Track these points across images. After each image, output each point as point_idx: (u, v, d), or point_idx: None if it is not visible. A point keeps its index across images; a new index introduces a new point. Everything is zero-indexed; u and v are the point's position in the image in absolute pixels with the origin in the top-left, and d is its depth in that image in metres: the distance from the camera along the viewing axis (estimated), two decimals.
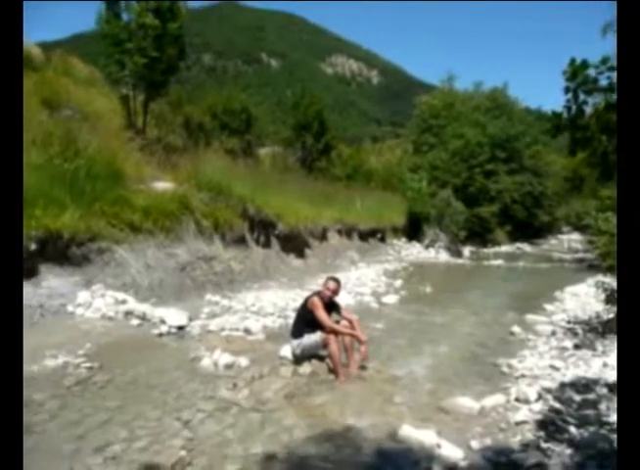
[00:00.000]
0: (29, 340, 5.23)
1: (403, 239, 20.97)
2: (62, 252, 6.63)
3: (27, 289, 6.00)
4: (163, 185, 9.27)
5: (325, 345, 5.05)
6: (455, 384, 5.08)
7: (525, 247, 28.11)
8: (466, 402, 4.41)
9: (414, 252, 19.64)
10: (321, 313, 5.13)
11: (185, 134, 14.84)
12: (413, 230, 21.70)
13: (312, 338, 5.14)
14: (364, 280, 11.71)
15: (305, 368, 5.10)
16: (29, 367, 4.53)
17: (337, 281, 5.47)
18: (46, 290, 6.20)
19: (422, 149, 29.81)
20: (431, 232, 21.88)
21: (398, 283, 11.77)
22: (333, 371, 5.02)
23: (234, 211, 10.28)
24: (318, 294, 5.36)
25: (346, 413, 4.19)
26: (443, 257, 19.99)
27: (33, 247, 6.18)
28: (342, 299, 9.30)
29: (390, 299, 9.65)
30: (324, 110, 23.17)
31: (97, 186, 7.82)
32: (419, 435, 3.70)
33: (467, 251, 22.80)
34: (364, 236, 17.65)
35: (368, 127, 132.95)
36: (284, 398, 4.44)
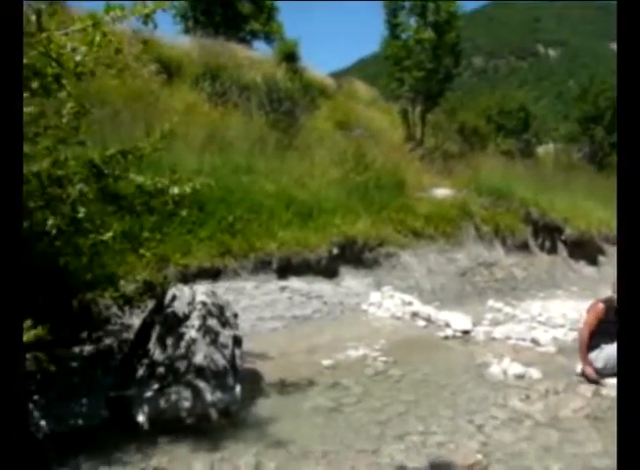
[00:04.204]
0: (334, 332, 6.06)
1: None
2: (357, 256, 7.46)
3: (331, 287, 6.95)
4: (443, 192, 9.53)
5: None
6: None
7: None
8: None
9: None
10: (587, 318, 4.74)
11: (460, 140, 14.90)
12: None
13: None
14: None
15: (610, 390, 4.52)
16: (336, 355, 5.23)
17: None
18: (345, 289, 7.06)
19: None
20: None
21: None
22: None
23: (515, 215, 9.86)
24: (606, 300, 4.73)
25: None
26: None
27: (335, 251, 7.13)
28: None
29: None
30: None
31: (383, 195, 8.57)
32: None
33: None
34: None
35: None
36: (585, 418, 4.04)
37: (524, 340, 6.14)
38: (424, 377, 4.81)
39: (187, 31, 15.54)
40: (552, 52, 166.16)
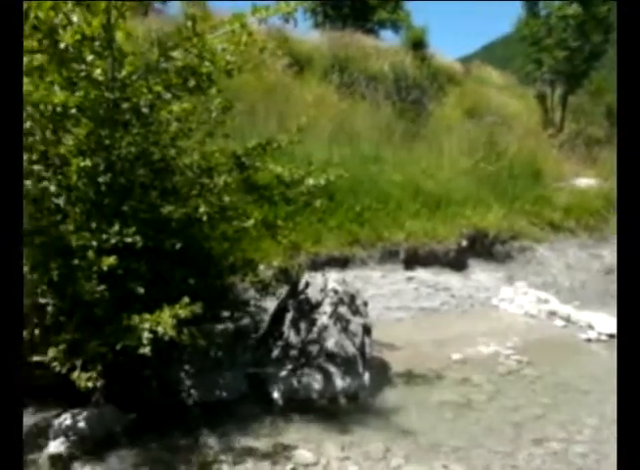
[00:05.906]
0: (462, 325, 5.87)
1: None
2: (487, 248, 7.14)
3: (459, 279, 6.74)
4: (586, 181, 8.73)
5: None
6: None
7: None
8: None
9: None
10: None
11: (607, 124, 13.49)
12: None
13: None
14: None
15: None
16: (466, 350, 5.05)
17: None
18: (474, 283, 6.79)
19: None
20: None
21: None
22: None
23: None
24: None
25: None
26: None
27: (464, 243, 6.88)
28: None
29: None
30: None
31: (517, 186, 8.09)
32: None
33: None
34: None
35: None
36: None
37: None
38: (563, 380, 4.48)
39: (316, 26, 15.90)
40: None
